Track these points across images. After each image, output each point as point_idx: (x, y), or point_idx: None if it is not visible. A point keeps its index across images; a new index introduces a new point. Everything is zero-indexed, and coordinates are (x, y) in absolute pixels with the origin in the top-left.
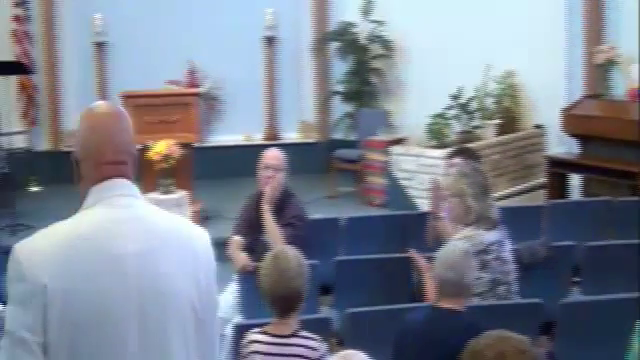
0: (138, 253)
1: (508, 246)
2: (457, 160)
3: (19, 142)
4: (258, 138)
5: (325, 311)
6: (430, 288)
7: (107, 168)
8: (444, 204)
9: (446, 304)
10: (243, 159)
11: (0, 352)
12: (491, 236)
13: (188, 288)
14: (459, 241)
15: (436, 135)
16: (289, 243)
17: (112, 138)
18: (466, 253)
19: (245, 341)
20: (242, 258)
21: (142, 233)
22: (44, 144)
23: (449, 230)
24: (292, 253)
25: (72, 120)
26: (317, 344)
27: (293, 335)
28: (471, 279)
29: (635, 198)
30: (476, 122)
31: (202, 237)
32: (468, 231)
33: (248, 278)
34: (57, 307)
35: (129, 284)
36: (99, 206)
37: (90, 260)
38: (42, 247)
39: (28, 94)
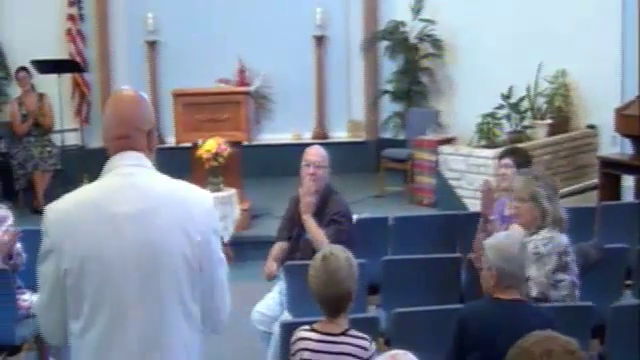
0: (134, 213)
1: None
2: (508, 161)
3: (72, 139)
4: (307, 137)
5: (372, 311)
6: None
7: (114, 143)
8: (494, 206)
9: (507, 295)
10: (292, 158)
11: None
12: (565, 238)
13: (181, 244)
14: (539, 241)
15: (486, 135)
16: (333, 240)
17: (117, 116)
18: (523, 245)
19: (294, 338)
20: (269, 266)
21: (139, 196)
22: (96, 141)
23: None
24: (342, 253)
25: None
26: (367, 344)
27: (343, 334)
28: (525, 271)
29: None
30: (527, 122)
31: (200, 199)
32: (546, 232)
33: (295, 276)
34: (68, 257)
35: (126, 240)
36: (106, 176)
37: (94, 220)
38: (60, 208)
39: (81, 92)
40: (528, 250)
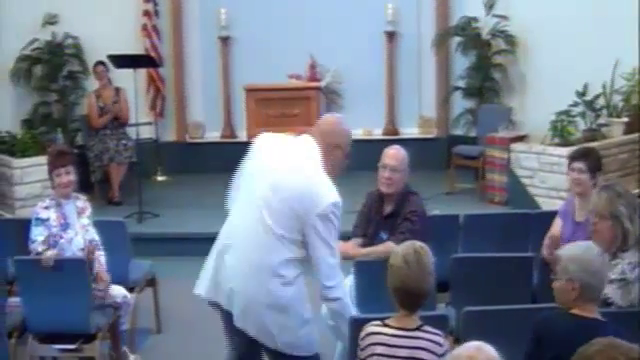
0: (281, 172)
1: None
2: (581, 165)
3: (147, 133)
4: (377, 133)
5: (442, 309)
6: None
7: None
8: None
9: (585, 312)
10: (362, 154)
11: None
12: None
13: (295, 204)
14: (625, 265)
15: (560, 133)
16: (403, 238)
17: None
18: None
19: (363, 333)
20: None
21: (290, 170)
22: (170, 135)
23: None
24: (426, 251)
25: (197, 112)
26: (441, 339)
27: (418, 329)
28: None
29: None
30: (602, 120)
31: (321, 196)
32: (631, 256)
33: (365, 273)
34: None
35: (267, 182)
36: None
37: (258, 166)
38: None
39: (156, 86)
40: (615, 274)
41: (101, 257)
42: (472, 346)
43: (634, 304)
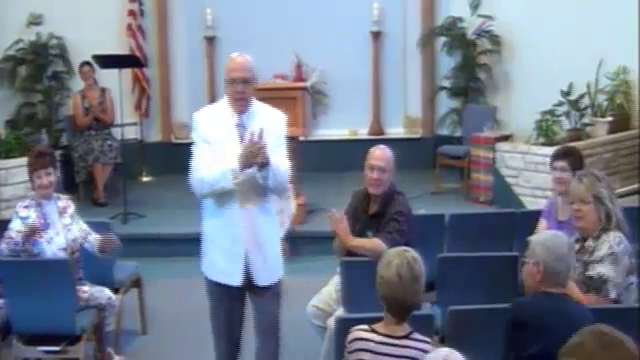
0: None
1: None
2: (563, 164)
3: (132, 133)
4: (363, 133)
5: (427, 308)
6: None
7: None
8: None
9: (556, 289)
10: (348, 153)
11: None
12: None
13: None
14: (612, 241)
15: (545, 132)
16: (390, 239)
17: None
18: (571, 245)
19: (350, 337)
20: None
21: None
22: (155, 135)
23: None
24: (419, 262)
25: (182, 113)
26: (430, 347)
27: (406, 337)
28: (571, 272)
29: None
30: (587, 119)
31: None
32: (614, 235)
33: (352, 272)
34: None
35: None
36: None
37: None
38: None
39: (141, 87)
40: (604, 250)
41: (90, 236)
42: (442, 354)
43: (624, 278)
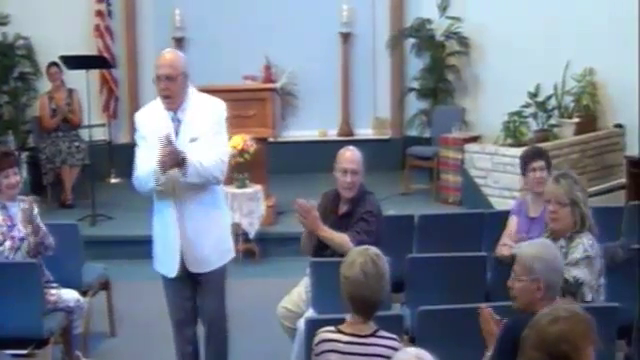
0: None
1: None
2: (542, 163)
3: (100, 134)
4: (332, 134)
5: (397, 308)
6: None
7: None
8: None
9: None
10: (318, 155)
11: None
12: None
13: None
14: (586, 244)
15: (512, 133)
16: (359, 239)
17: None
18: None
19: (317, 339)
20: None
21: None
22: (124, 137)
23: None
24: (382, 260)
25: None
26: (397, 344)
27: (373, 335)
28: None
29: None
30: (554, 121)
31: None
32: (587, 234)
33: (322, 273)
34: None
35: None
36: None
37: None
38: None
39: (109, 88)
40: (579, 254)
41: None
42: (411, 353)
43: (597, 280)
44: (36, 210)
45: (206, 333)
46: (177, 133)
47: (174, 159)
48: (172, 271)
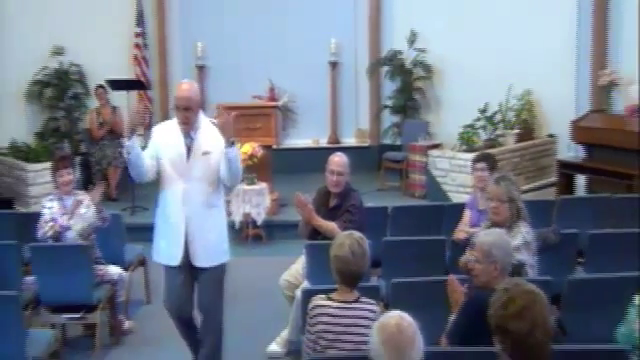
0: None
1: None
2: (484, 165)
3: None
4: (323, 142)
5: (375, 281)
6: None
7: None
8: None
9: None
10: (311, 159)
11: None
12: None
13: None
14: (525, 232)
15: (466, 141)
16: (345, 226)
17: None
18: (509, 240)
19: (311, 306)
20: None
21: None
22: None
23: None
24: (365, 241)
25: None
26: (376, 307)
27: (356, 301)
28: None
29: (630, 195)
30: (499, 131)
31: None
32: (523, 223)
33: (315, 253)
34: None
35: None
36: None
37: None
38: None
39: (145, 105)
40: (519, 241)
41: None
42: (395, 315)
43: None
44: (88, 200)
45: (202, 323)
46: (190, 148)
47: (229, 130)
48: (175, 260)
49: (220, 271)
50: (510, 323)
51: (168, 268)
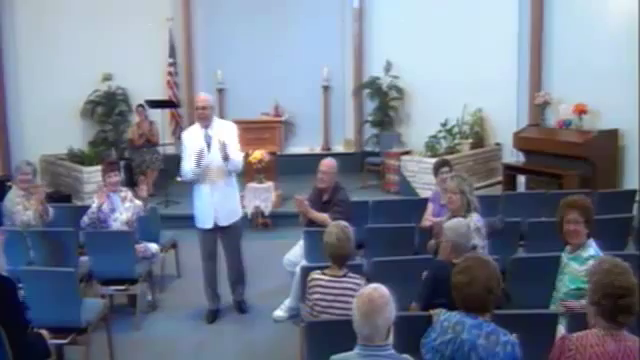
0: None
1: None
2: (447, 169)
3: (171, 150)
4: (317, 149)
5: (359, 260)
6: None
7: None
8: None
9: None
10: (308, 163)
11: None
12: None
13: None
14: (467, 219)
15: (431, 149)
16: (334, 217)
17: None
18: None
19: (309, 278)
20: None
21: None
22: None
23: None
24: (349, 229)
25: None
26: (360, 281)
27: (344, 276)
28: (470, 244)
29: (560, 191)
30: (457, 141)
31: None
32: (474, 215)
33: (312, 238)
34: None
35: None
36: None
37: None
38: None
39: (176, 120)
40: (471, 227)
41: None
42: (370, 287)
43: (484, 239)
44: (131, 195)
45: (229, 263)
46: (209, 143)
47: (224, 154)
48: (209, 224)
49: (239, 224)
50: (455, 276)
51: (202, 230)
